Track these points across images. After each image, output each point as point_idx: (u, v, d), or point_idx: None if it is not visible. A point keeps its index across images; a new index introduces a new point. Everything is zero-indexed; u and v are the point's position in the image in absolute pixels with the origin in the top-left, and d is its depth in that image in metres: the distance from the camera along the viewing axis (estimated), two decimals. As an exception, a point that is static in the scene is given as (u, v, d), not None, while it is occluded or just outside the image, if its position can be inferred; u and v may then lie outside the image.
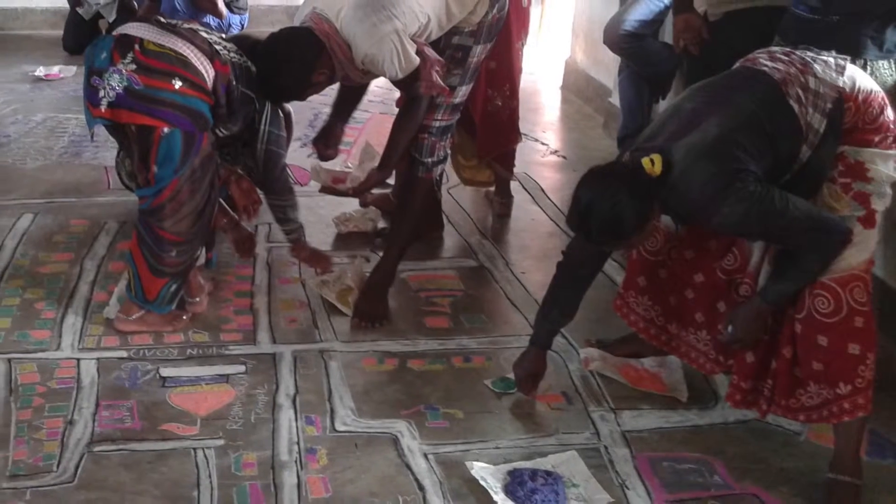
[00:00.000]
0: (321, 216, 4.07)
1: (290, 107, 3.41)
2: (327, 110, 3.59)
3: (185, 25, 3.03)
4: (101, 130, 3.13)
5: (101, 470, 2.48)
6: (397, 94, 3.70)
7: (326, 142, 3.46)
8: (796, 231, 2.37)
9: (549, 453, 2.61)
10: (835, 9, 2.80)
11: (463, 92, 3.30)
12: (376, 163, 3.48)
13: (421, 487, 2.48)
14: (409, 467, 2.55)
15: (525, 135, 4.54)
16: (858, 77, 2.46)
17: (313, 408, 2.78)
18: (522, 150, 4.47)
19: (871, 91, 2.45)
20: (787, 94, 2.38)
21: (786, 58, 2.47)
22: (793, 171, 2.42)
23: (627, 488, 2.51)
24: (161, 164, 2.91)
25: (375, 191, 3.84)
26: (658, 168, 2.33)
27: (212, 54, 2.94)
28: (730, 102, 2.40)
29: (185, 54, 2.89)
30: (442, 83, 3.10)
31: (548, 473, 2.51)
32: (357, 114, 3.82)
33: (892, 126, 2.45)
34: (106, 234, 3.83)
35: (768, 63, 2.46)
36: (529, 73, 5.30)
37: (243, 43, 3.13)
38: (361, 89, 3.51)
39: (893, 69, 2.83)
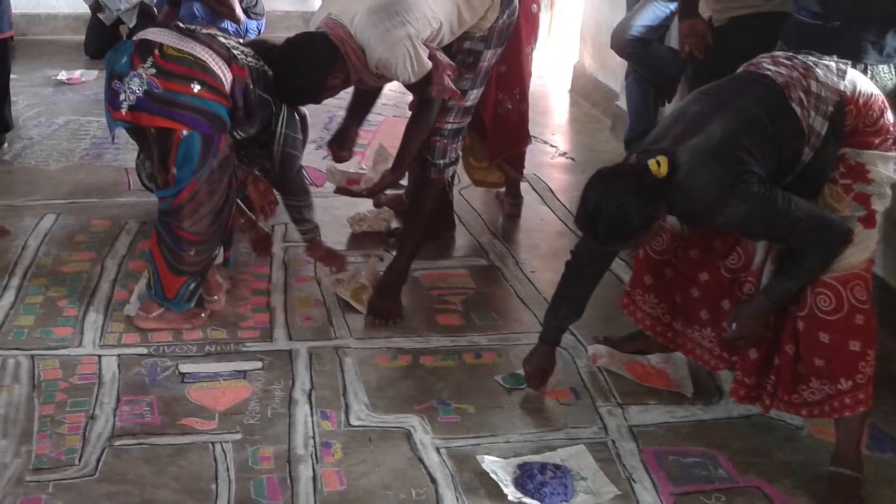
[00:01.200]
0: (336, 216, 4.09)
1: (306, 110, 3.43)
2: (342, 113, 3.60)
3: (204, 31, 3.06)
4: (121, 133, 3.17)
5: (121, 463, 2.51)
6: (410, 97, 3.72)
7: (341, 144, 3.48)
8: (798, 231, 2.39)
9: (557, 447, 2.63)
10: (836, 14, 2.83)
11: (474, 95, 3.32)
12: (390, 164, 3.51)
13: (433, 480, 2.50)
14: (421, 461, 2.57)
15: (534, 137, 4.55)
16: (859, 81, 2.48)
17: (328, 403, 2.81)
18: (532, 151, 4.50)
19: (872, 94, 2.46)
20: (789, 97, 2.39)
21: (788, 62, 2.48)
22: (795, 173, 2.43)
23: (634, 481, 2.53)
24: (180, 166, 2.95)
25: (389, 192, 3.87)
26: (664, 169, 2.34)
27: (229, 59, 2.98)
28: (734, 106, 2.41)
29: (203, 59, 2.92)
30: (453, 87, 3.12)
31: (556, 467, 2.53)
32: (371, 117, 3.86)
33: (891, 129, 2.46)
34: (126, 234, 3.87)
35: (771, 67, 2.48)
36: (539, 77, 5.30)
37: (260, 47, 3.16)
38: (375, 93, 3.54)
39: (893, 73, 2.86)
